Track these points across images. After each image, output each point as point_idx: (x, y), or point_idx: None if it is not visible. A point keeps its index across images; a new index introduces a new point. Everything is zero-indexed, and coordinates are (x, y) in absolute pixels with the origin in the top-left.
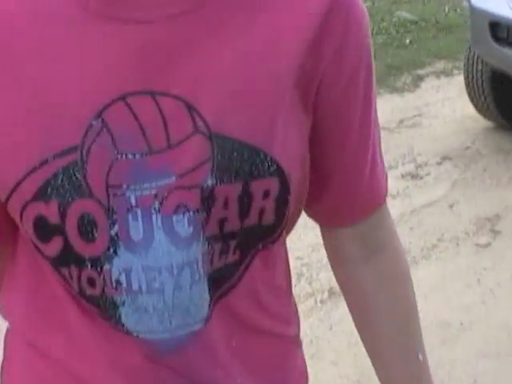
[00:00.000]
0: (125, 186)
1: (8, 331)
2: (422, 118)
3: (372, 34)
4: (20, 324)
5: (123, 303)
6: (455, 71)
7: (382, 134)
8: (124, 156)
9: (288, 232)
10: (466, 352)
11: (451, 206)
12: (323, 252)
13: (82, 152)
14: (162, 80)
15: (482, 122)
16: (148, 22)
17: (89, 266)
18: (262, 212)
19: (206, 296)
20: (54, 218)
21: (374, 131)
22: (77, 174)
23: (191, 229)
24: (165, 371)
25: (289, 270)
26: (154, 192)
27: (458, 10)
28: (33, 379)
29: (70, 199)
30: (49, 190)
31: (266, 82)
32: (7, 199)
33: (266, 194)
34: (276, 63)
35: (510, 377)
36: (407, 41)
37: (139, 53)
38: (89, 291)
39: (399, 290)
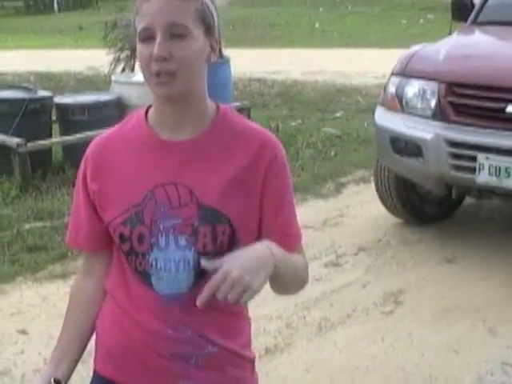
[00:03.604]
0: (159, 221)
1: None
2: (343, 218)
3: (301, 148)
4: (110, 288)
5: (153, 274)
6: (372, 178)
7: (309, 232)
8: (160, 208)
9: None
10: None
11: (364, 286)
12: None
13: (142, 206)
14: (180, 178)
15: (392, 219)
16: (177, 153)
17: (140, 256)
18: (222, 242)
19: (192, 278)
20: (127, 233)
21: (289, 212)
22: (139, 215)
23: (185, 243)
24: (167, 314)
25: None
26: (171, 225)
27: None
28: (111, 317)
29: (135, 226)
30: (127, 222)
31: (228, 184)
32: (107, 225)
33: (223, 233)
34: (231, 173)
35: None
36: (332, 153)
37: (171, 164)
38: (139, 268)
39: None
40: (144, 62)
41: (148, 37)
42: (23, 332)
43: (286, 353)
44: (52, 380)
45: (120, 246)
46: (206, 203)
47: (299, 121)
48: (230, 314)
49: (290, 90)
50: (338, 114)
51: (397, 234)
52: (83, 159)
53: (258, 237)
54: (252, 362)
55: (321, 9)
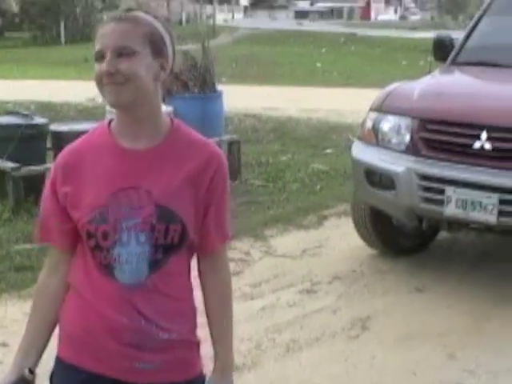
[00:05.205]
0: (121, 220)
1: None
2: (322, 249)
3: (289, 182)
4: (73, 281)
5: (116, 267)
6: None
7: (287, 261)
8: (122, 209)
9: (189, 258)
10: None
11: (334, 312)
12: None
13: (107, 207)
14: (139, 182)
15: (368, 251)
16: (137, 160)
17: (105, 251)
18: (173, 237)
19: (147, 268)
20: (92, 231)
21: (225, 213)
22: (104, 215)
23: (144, 239)
24: (125, 304)
25: (190, 273)
26: (131, 224)
27: None
28: (74, 307)
29: (100, 224)
30: (93, 221)
31: (181, 188)
32: (77, 223)
33: (175, 230)
34: (183, 179)
35: None
36: (318, 187)
37: (132, 170)
38: (104, 262)
39: (224, 290)
40: (97, 77)
41: (101, 57)
42: (4, 344)
43: (252, 371)
44: (27, 370)
45: (87, 242)
46: (163, 204)
47: (289, 156)
48: (178, 301)
49: (283, 126)
50: (328, 151)
51: (371, 265)
52: (53, 167)
53: (200, 233)
54: (197, 345)
55: (324, 49)
